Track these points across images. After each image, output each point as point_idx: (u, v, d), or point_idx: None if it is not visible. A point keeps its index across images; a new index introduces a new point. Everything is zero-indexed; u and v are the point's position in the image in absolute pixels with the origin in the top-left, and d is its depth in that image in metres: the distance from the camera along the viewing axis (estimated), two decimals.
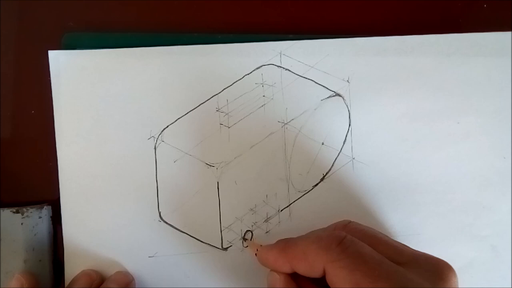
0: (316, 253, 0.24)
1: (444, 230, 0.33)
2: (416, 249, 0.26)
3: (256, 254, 0.28)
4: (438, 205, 0.33)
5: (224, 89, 0.32)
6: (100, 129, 0.31)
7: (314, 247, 0.24)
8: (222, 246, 0.32)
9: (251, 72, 0.32)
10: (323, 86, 0.33)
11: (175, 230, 0.31)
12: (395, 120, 0.33)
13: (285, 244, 0.27)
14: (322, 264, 0.24)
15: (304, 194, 0.32)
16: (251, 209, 0.32)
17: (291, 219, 0.32)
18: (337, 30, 0.33)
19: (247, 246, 0.32)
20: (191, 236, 0.32)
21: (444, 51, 0.33)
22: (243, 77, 0.32)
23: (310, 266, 0.24)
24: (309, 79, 0.32)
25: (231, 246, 0.32)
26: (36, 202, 0.31)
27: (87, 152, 0.31)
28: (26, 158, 0.32)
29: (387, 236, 0.26)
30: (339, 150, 0.32)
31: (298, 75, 0.32)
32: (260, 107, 0.32)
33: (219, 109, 0.32)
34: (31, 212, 0.30)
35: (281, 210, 0.32)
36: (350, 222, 0.28)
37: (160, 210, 0.31)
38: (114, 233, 0.31)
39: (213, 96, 0.32)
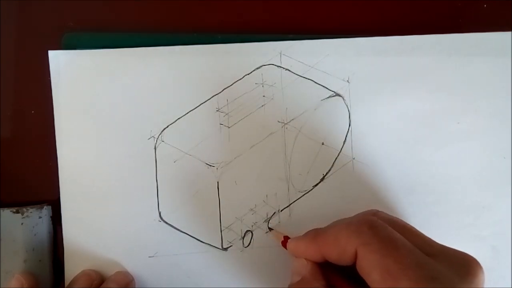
0: (348, 237, 0.24)
1: (444, 230, 0.33)
2: None
3: (284, 243, 0.29)
4: (438, 205, 0.33)
5: (224, 89, 0.32)
6: (100, 129, 0.31)
7: (345, 232, 0.24)
8: (222, 246, 0.32)
9: (251, 72, 0.32)
10: (323, 86, 0.33)
11: (175, 230, 0.31)
12: (395, 120, 0.33)
13: (316, 232, 0.27)
14: (354, 247, 0.24)
15: (304, 194, 0.32)
16: (251, 209, 0.32)
17: (291, 219, 0.32)
18: (337, 30, 0.33)
19: (266, 232, 0.32)
20: (191, 236, 0.32)
21: (444, 51, 0.33)
22: (243, 77, 0.32)
23: (341, 252, 0.24)
24: (309, 79, 0.32)
25: (231, 246, 0.32)
26: (36, 202, 0.31)
27: (87, 152, 0.31)
28: (26, 158, 0.32)
29: (415, 228, 0.26)
30: (339, 150, 0.32)
31: (298, 75, 0.32)
32: (260, 107, 0.32)
33: (219, 109, 0.32)
34: (31, 212, 0.30)
35: (281, 210, 0.32)
36: (378, 211, 0.28)
37: (160, 210, 0.31)
38: (114, 233, 0.31)
39: (213, 96, 0.32)
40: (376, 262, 0.22)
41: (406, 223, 0.27)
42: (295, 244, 0.28)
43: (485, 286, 0.23)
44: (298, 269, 0.27)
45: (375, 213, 0.27)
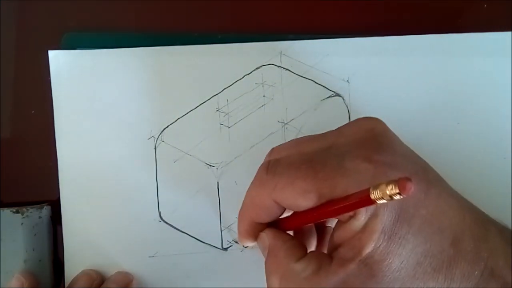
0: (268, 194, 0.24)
1: None
2: None
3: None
4: None
5: (224, 89, 0.32)
6: (100, 129, 0.31)
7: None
8: (222, 246, 0.32)
9: (251, 72, 0.32)
10: (323, 86, 0.32)
11: (175, 230, 0.31)
12: (395, 120, 0.33)
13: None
14: (271, 196, 0.24)
15: None
16: None
17: None
18: (337, 30, 0.33)
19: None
20: (191, 236, 0.32)
21: (444, 51, 0.33)
22: (243, 77, 0.32)
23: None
24: (309, 79, 0.32)
25: (231, 246, 0.32)
26: (36, 202, 0.31)
27: (87, 152, 0.31)
28: (26, 158, 0.32)
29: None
30: None
31: (298, 75, 0.32)
32: (260, 107, 0.32)
33: (219, 109, 0.32)
34: (31, 212, 0.30)
35: None
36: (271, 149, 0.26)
37: (160, 210, 0.31)
38: (114, 233, 0.31)
39: (213, 96, 0.32)
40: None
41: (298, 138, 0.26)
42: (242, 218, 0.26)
43: None
44: (263, 246, 0.25)
45: (269, 154, 0.26)
